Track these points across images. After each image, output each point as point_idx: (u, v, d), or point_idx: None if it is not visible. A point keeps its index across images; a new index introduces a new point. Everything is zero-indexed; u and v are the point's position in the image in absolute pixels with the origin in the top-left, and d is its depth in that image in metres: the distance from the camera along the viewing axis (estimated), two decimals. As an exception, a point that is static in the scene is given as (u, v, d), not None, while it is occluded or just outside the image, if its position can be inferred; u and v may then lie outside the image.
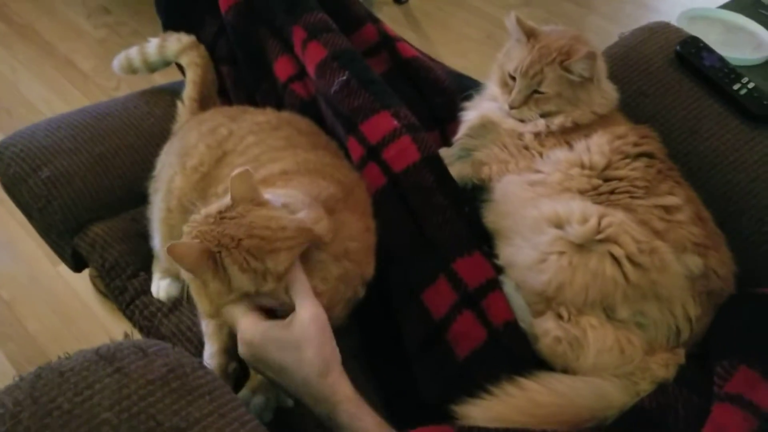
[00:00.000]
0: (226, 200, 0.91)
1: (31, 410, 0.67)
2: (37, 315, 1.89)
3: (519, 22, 1.23)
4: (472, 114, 1.31)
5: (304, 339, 0.86)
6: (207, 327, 1.05)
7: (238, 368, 1.04)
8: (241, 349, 0.90)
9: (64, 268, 1.93)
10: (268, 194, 0.93)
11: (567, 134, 1.20)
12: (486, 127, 1.27)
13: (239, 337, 0.90)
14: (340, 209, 0.99)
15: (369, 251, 1.03)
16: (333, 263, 0.95)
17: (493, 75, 1.32)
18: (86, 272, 1.91)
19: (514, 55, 1.24)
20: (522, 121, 1.24)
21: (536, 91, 1.21)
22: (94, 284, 1.93)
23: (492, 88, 1.31)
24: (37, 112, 2.50)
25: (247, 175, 0.90)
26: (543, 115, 1.22)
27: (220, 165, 1.13)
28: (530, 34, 1.23)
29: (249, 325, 0.89)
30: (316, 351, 0.86)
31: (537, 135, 1.22)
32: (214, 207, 0.91)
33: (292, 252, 0.89)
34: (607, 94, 1.24)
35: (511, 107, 1.23)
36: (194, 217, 0.91)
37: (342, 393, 0.87)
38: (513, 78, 1.23)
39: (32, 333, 1.85)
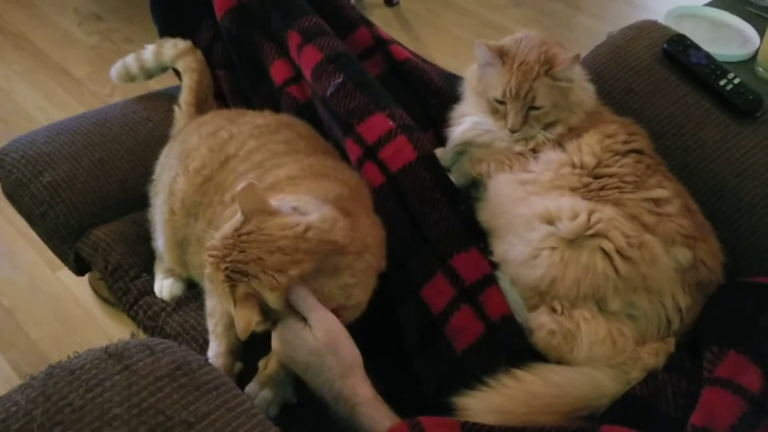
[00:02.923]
0: (238, 217, 0.93)
1: (44, 407, 0.69)
2: (39, 322, 1.90)
3: (489, 47, 1.20)
4: (457, 133, 1.30)
5: (324, 347, 0.92)
6: (215, 327, 1.08)
7: (243, 369, 1.06)
8: (275, 343, 0.95)
9: (64, 275, 1.95)
10: (276, 201, 0.95)
11: (561, 138, 1.21)
12: (474, 146, 1.28)
13: (275, 333, 0.95)
14: (350, 208, 1.02)
15: (381, 244, 1.06)
16: (356, 260, 0.98)
17: (469, 101, 1.29)
18: (86, 278, 1.93)
19: (493, 80, 1.21)
20: (523, 138, 1.22)
21: (532, 108, 1.19)
22: (94, 289, 1.95)
23: (470, 109, 1.29)
24: (33, 121, 2.51)
25: (252, 187, 0.92)
26: (543, 128, 1.21)
27: (223, 170, 1.14)
28: (502, 55, 1.20)
29: (285, 326, 0.94)
30: (335, 357, 0.92)
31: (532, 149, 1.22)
32: (228, 228, 0.93)
33: (315, 261, 0.92)
34: (587, 87, 1.25)
35: (513, 131, 1.20)
36: (211, 243, 0.93)
37: (361, 395, 0.92)
38: (501, 102, 1.21)
39: (34, 340, 1.86)
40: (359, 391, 0.92)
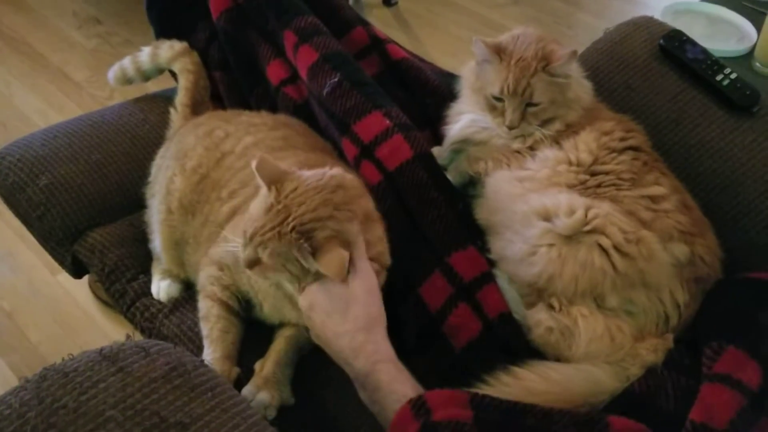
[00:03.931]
0: (264, 193, 0.94)
1: (38, 410, 0.69)
2: (39, 325, 1.90)
3: (486, 44, 1.20)
4: (454, 130, 1.30)
5: (352, 297, 0.94)
6: (210, 331, 1.06)
7: (240, 374, 1.05)
8: (304, 296, 0.97)
9: (63, 278, 1.95)
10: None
11: (558, 136, 1.21)
12: (472, 144, 1.28)
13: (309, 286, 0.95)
14: None
15: (384, 237, 1.07)
16: (374, 222, 1.02)
17: (466, 99, 1.29)
18: (86, 281, 1.93)
19: (491, 76, 1.20)
20: (522, 135, 1.22)
21: (530, 104, 1.19)
22: (94, 292, 1.95)
23: (468, 106, 1.29)
24: (33, 124, 2.51)
25: (265, 158, 0.94)
26: (541, 125, 1.21)
27: (219, 168, 1.14)
28: (499, 52, 1.20)
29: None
30: (362, 309, 0.94)
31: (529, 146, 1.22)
32: (260, 205, 0.94)
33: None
34: (584, 84, 1.25)
35: (511, 128, 1.20)
36: (251, 226, 0.93)
37: (384, 352, 0.93)
38: (499, 99, 1.21)
39: (34, 343, 1.86)
40: (381, 348, 0.93)
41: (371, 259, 0.97)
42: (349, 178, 0.99)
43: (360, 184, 1.01)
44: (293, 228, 0.90)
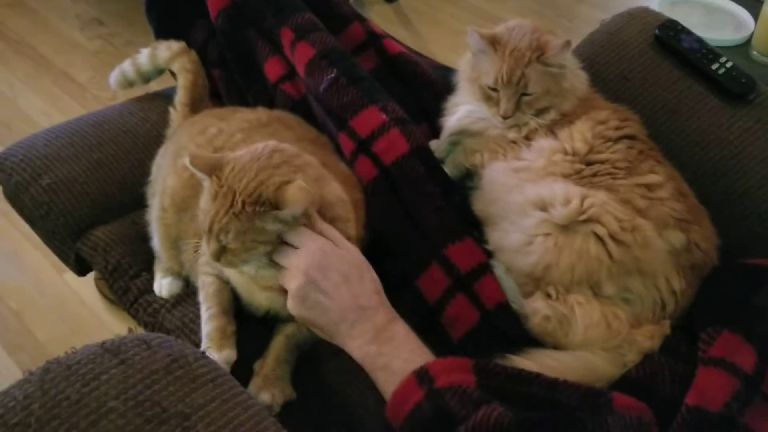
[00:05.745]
0: (207, 183, 0.95)
1: (41, 401, 0.70)
2: (46, 324, 1.92)
3: (481, 35, 1.21)
4: (452, 121, 1.31)
5: (360, 261, 0.98)
6: (206, 291, 1.09)
7: (236, 331, 1.06)
8: (302, 257, 0.94)
9: (70, 276, 1.97)
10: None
11: (553, 125, 1.22)
12: (469, 134, 1.29)
13: (306, 246, 0.95)
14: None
15: (359, 206, 1.09)
16: (341, 184, 1.04)
17: (463, 90, 1.31)
18: (91, 279, 1.95)
19: (486, 67, 1.22)
20: (516, 125, 1.23)
21: (524, 94, 1.20)
22: (100, 290, 1.96)
23: (464, 98, 1.30)
24: (37, 126, 2.52)
25: (195, 154, 0.96)
26: (535, 114, 1.22)
27: None
28: (494, 42, 1.21)
29: (315, 237, 0.96)
30: (371, 272, 0.99)
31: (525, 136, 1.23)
32: (207, 195, 0.95)
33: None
34: (580, 74, 1.26)
35: (505, 117, 1.21)
36: (206, 220, 0.94)
37: (395, 312, 0.98)
38: (494, 90, 1.22)
39: (42, 341, 1.88)
40: (391, 308, 0.97)
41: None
42: (286, 144, 1.00)
43: (298, 149, 1.01)
44: (243, 202, 0.91)
